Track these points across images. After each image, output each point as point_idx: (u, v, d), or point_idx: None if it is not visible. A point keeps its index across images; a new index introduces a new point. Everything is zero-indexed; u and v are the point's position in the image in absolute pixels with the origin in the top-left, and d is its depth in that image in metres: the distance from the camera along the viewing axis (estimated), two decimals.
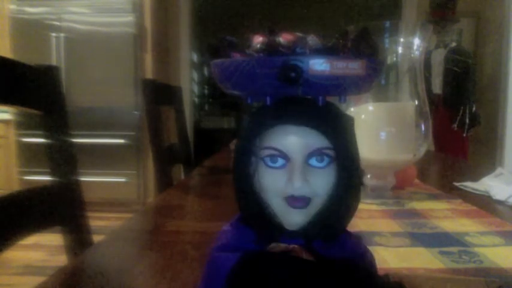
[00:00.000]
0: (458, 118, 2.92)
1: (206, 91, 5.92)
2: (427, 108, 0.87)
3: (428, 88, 2.91)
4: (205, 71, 5.64)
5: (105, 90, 3.25)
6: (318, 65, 0.27)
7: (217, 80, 0.31)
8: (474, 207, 0.80)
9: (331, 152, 0.28)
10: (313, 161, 0.28)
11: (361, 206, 0.53)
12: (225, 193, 0.96)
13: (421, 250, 0.57)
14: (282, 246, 0.28)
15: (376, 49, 0.29)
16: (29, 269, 2.22)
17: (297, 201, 0.28)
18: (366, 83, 0.30)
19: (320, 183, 0.28)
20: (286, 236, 0.29)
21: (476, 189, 0.94)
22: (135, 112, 3.25)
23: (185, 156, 1.53)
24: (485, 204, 0.82)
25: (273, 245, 0.29)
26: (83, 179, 0.77)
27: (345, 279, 0.27)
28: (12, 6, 3.21)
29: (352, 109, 0.87)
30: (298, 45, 0.27)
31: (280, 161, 0.29)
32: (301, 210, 0.29)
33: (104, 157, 3.24)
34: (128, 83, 3.24)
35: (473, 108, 2.92)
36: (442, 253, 0.56)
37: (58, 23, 3.21)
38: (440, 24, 2.89)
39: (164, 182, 1.25)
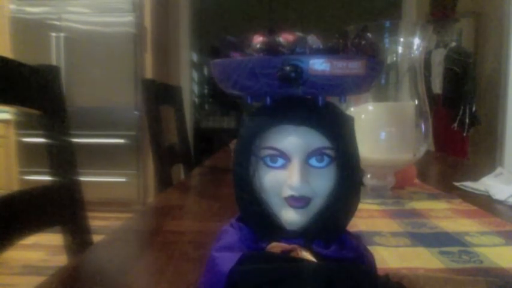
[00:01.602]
0: (458, 118, 2.92)
1: (206, 91, 5.92)
2: (427, 108, 0.87)
3: (428, 88, 2.91)
4: (205, 71, 5.64)
5: (105, 90, 3.25)
6: (318, 65, 0.27)
7: (217, 80, 0.31)
8: (474, 207, 0.80)
9: (331, 152, 0.28)
10: (313, 161, 0.28)
11: (361, 206, 0.53)
12: (225, 193, 0.96)
13: (421, 250, 0.57)
14: (282, 246, 0.28)
15: (376, 49, 0.29)
16: (29, 269, 2.21)
17: (297, 201, 0.28)
18: (366, 83, 0.30)
19: (320, 183, 0.28)
20: (286, 236, 0.29)
21: (476, 189, 0.94)
22: (135, 112, 3.25)
23: (185, 156, 1.53)
24: (485, 204, 0.82)
25: (273, 244, 0.29)
26: (83, 179, 0.77)
27: (345, 280, 0.27)
28: (12, 6, 3.21)
29: (352, 109, 0.87)
30: (298, 45, 0.27)
31: (280, 161, 0.29)
32: (301, 210, 0.29)
33: (104, 157, 3.24)
34: (128, 83, 3.23)
35: (473, 108, 2.92)
36: (442, 253, 0.56)
37: (58, 23, 3.21)
38: (440, 24, 2.89)
39: (164, 182, 1.25)
